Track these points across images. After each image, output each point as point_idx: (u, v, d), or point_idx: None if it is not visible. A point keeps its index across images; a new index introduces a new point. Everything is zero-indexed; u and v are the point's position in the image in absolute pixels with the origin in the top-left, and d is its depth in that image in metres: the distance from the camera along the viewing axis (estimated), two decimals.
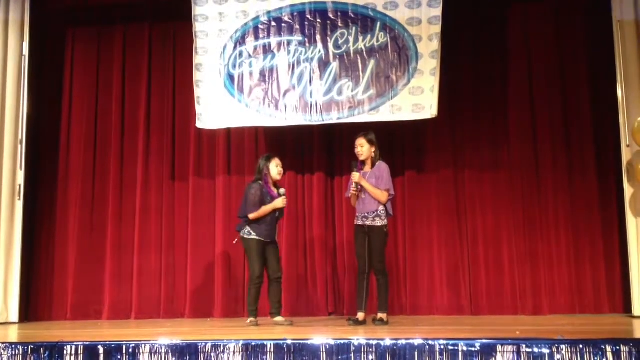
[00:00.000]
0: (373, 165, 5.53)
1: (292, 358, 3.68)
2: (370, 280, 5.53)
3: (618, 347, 3.44)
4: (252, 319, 5.49)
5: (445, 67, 6.24)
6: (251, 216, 5.55)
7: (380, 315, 5.37)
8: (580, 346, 3.47)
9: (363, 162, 5.55)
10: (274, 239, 5.68)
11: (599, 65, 6.61)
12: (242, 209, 5.63)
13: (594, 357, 3.45)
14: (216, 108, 6.47)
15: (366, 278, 5.46)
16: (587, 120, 6.66)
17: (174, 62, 7.17)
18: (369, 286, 5.52)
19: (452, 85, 6.60)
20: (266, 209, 5.57)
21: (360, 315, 5.40)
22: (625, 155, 6.18)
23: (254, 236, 5.56)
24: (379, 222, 5.42)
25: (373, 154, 5.54)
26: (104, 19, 7.27)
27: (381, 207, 5.43)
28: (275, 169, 5.67)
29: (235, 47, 6.51)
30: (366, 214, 5.42)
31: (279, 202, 5.60)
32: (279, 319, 5.51)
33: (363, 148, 5.51)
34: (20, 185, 6.60)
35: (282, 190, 5.69)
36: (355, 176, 5.42)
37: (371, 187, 5.40)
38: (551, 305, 6.41)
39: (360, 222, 5.48)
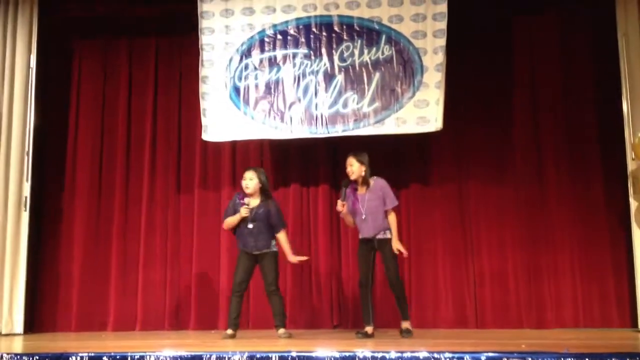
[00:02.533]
0: (367, 184, 5.50)
1: None
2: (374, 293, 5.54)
3: None
4: (229, 331, 5.48)
5: (448, 80, 6.23)
6: (223, 225, 5.74)
7: (405, 325, 5.38)
8: None
9: (355, 182, 5.52)
10: (263, 250, 5.59)
11: (605, 77, 6.60)
12: None
13: None
14: (222, 120, 6.49)
15: (369, 291, 5.46)
16: (592, 132, 6.66)
17: (180, 75, 7.20)
18: (373, 299, 5.52)
19: (455, 98, 6.56)
20: (232, 219, 5.63)
21: (369, 329, 5.39)
22: (631, 168, 6.17)
23: (240, 247, 5.63)
24: (389, 235, 5.44)
25: (363, 173, 5.49)
26: (110, 31, 7.31)
27: (386, 221, 5.44)
28: (243, 182, 5.69)
29: (241, 60, 6.54)
30: (375, 232, 5.43)
31: (242, 211, 5.58)
32: (280, 331, 5.50)
33: (352, 167, 5.47)
34: (26, 197, 6.62)
35: (246, 200, 5.64)
36: (399, 245, 5.41)
37: (395, 233, 5.43)
38: (557, 318, 6.38)
39: (368, 236, 5.47)
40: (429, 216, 6.76)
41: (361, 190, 5.52)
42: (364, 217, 5.44)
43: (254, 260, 5.59)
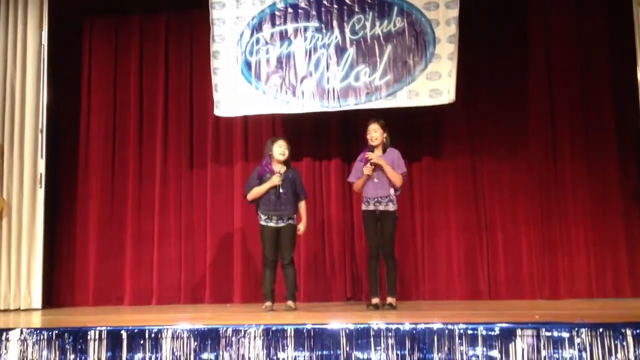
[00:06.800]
0: (384, 151, 5.56)
1: (312, 342, 3.70)
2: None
3: (638, 331, 3.43)
4: (267, 303, 5.52)
5: (462, 53, 6.19)
6: (248, 197, 5.67)
7: (390, 299, 5.42)
8: (600, 330, 3.46)
9: (374, 148, 5.55)
10: (287, 221, 5.61)
11: (621, 51, 6.51)
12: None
13: (614, 341, 3.44)
14: (233, 95, 6.49)
15: (379, 263, 5.52)
16: (606, 106, 6.61)
17: (191, 51, 7.20)
18: (380, 271, 5.56)
19: (469, 72, 6.53)
20: (260, 188, 5.59)
21: (377, 300, 5.45)
22: None
23: (262, 222, 5.62)
24: (391, 207, 5.46)
25: (385, 140, 5.55)
26: (120, 8, 7.30)
27: (392, 192, 5.45)
28: (277, 149, 5.65)
29: (252, 34, 6.51)
30: (379, 199, 5.45)
31: (275, 179, 5.57)
32: (289, 302, 5.55)
33: (377, 133, 5.52)
34: (41, 174, 6.67)
35: (277, 167, 5.64)
36: (372, 155, 5.43)
37: (389, 167, 5.41)
38: (570, 290, 6.40)
39: (371, 207, 5.50)
40: (442, 190, 6.75)
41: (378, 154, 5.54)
42: (376, 180, 5.47)
43: (276, 233, 5.62)
